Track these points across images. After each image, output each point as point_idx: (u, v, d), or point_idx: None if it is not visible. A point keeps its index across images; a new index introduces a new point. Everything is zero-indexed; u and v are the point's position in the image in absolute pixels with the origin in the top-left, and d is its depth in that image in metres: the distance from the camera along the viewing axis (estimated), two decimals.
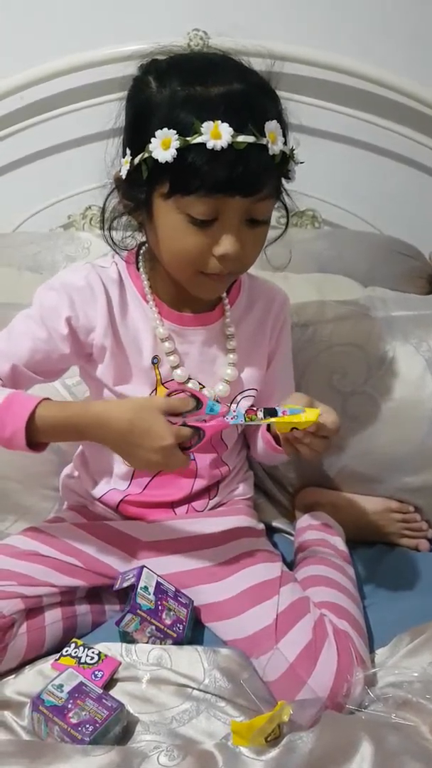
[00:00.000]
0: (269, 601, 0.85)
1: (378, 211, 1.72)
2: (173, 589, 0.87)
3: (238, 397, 0.94)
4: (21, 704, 0.77)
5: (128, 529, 0.95)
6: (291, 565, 0.99)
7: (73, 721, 0.71)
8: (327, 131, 1.66)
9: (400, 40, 1.57)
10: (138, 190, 0.79)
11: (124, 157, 0.80)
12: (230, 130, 0.71)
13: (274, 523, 1.13)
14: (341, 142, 1.68)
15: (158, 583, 0.86)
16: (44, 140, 1.62)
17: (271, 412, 0.78)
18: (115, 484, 0.96)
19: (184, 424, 0.78)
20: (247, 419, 0.79)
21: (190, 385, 0.90)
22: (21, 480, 1.09)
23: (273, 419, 0.78)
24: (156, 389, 0.90)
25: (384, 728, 0.66)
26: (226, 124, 0.71)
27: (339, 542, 1.02)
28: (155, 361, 0.89)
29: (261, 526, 1.01)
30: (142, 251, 0.91)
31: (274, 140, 0.74)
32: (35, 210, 1.70)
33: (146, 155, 0.74)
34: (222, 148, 0.71)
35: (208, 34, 1.47)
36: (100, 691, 0.74)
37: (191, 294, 0.86)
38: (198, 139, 0.71)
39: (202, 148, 0.71)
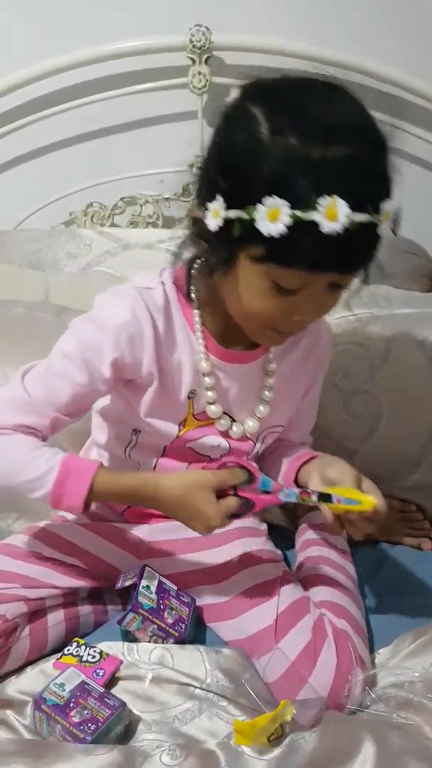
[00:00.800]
0: (269, 601, 0.85)
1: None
2: (175, 588, 0.87)
3: (264, 432, 0.93)
4: (23, 703, 0.77)
5: (130, 529, 0.95)
6: (292, 565, 0.99)
7: (75, 720, 0.71)
8: None
9: (405, 37, 1.56)
10: (222, 243, 0.71)
11: (208, 197, 0.70)
12: (347, 210, 0.63)
13: (276, 522, 1.13)
14: None
15: (160, 582, 0.86)
16: (46, 137, 1.62)
17: (325, 497, 0.79)
18: None
19: (236, 494, 0.79)
20: (299, 499, 0.80)
21: (222, 420, 0.87)
22: None
23: (328, 504, 0.79)
24: (185, 420, 0.88)
25: (386, 728, 0.66)
26: (344, 203, 0.63)
27: (340, 542, 1.02)
28: (191, 396, 0.86)
29: (263, 526, 1.01)
30: (193, 274, 0.83)
31: (387, 219, 0.68)
32: (36, 207, 1.69)
33: (245, 216, 0.66)
34: (337, 233, 0.63)
35: (210, 30, 1.47)
36: (102, 690, 0.74)
37: (239, 327, 0.80)
38: (312, 217, 0.63)
39: (312, 226, 0.63)
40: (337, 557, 0.97)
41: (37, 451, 0.78)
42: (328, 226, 0.63)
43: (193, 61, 1.48)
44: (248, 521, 0.98)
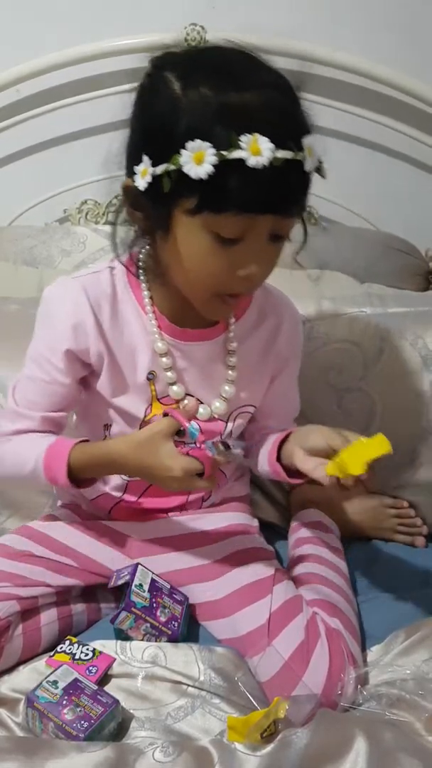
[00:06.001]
0: (262, 600, 0.85)
1: (375, 207, 1.72)
2: (168, 587, 0.87)
3: (234, 413, 0.92)
4: (16, 701, 0.77)
5: (122, 527, 0.95)
6: (285, 562, 0.99)
7: (68, 717, 0.71)
8: (325, 127, 1.65)
9: (399, 36, 1.56)
10: (156, 203, 0.71)
11: (135, 164, 0.71)
12: (270, 146, 0.65)
13: (269, 520, 1.13)
14: (338, 138, 1.67)
15: (153, 581, 0.86)
16: (40, 134, 1.61)
17: (225, 445, 0.77)
18: (109, 491, 0.95)
19: (188, 454, 0.78)
20: (216, 451, 0.77)
21: (186, 401, 0.87)
22: None
23: (344, 458, 0.74)
24: (151, 405, 0.88)
25: (379, 725, 0.66)
26: (266, 139, 0.64)
27: (333, 539, 1.02)
28: (150, 377, 0.86)
29: (255, 523, 1.01)
30: (141, 257, 0.85)
31: (311, 154, 0.69)
32: (31, 204, 1.69)
33: (172, 167, 0.67)
34: (264, 166, 0.65)
35: (205, 29, 1.46)
36: (95, 687, 0.74)
37: (192, 305, 0.81)
38: (236, 155, 0.64)
39: (238, 164, 0.65)
40: (330, 555, 0.97)
41: (31, 443, 0.85)
42: (253, 160, 0.64)
43: None
44: (241, 518, 0.99)
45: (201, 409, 0.88)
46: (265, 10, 1.53)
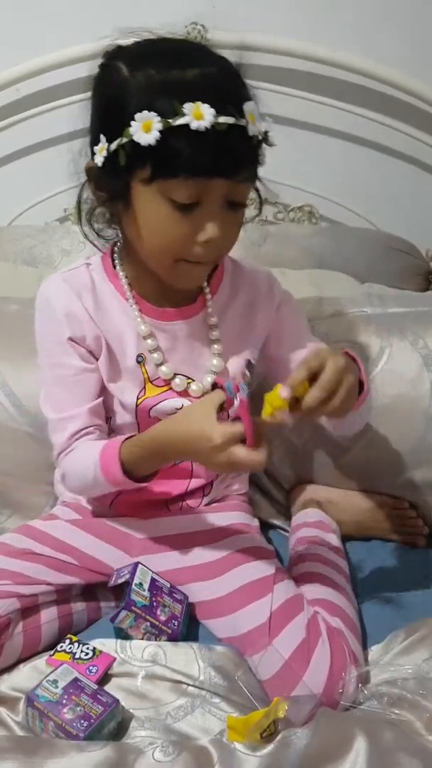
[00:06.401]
0: (263, 599, 0.85)
1: (376, 207, 1.72)
2: (168, 586, 0.87)
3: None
4: (16, 700, 0.77)
5: (123, 526, 0.95)
6: (286, 562, 0.99)
7: (68, 716, 0.70)
8: (325, 127, 1.66)
9: (400, 36, 1.56)
10: (115, 178, 0.77)
11: (95, 145, 0.78)
12: (212, 111, 0.70)
13: (269, 519, 1.13)
14: (339, 138, 1.67)
15: (153, 580, 0.86)
16: (40, 133, 1.61)
17: (250, 367, 0.77)
18: None
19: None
20: (244, 388, 0.74)
21: (177, 380, 0.90)
22: (16, 474, 1.08)
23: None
24: (145, 388, 0.90)
25: (379, 725, 0.66)
26: (207, 105, 0.70)
27: (334, 539, 1.02)
28: (140, 360, 0.89)
29: (255, 522, 1.01)
30: (117, 248, 0.90)
31: (253, 121, 0.74)
32: (31, 203, 1.69)
33: (125, 140, 0.73)
34: (206, 128, 0.70)
35: (206, 29, 1.46)
36: (95, 686, 0.74)
37: (171, 287, 0.86)
38: (180, 121, 0.70)
39: (184, 130, 0.71)
40: (331, 554, 0.97)
41: (86, 453, 0.86)
42: (196, 124, 0.70)
43: None
44: (241, 517, 0.99)
45: (193, 386, 0.90)
46: (265, 9, 1.53)
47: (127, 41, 0.80)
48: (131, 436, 0.84)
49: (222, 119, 0.71)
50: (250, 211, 0.86)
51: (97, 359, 0.89)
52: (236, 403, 0.74)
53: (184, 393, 0.91)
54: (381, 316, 1.14)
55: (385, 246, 1.63)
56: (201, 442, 0.74)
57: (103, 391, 0.91)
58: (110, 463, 0.82)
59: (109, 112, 0.76)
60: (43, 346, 0.90)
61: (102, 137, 0.76)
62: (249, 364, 0.80)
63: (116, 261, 0.90)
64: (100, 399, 0.90)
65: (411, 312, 1.15)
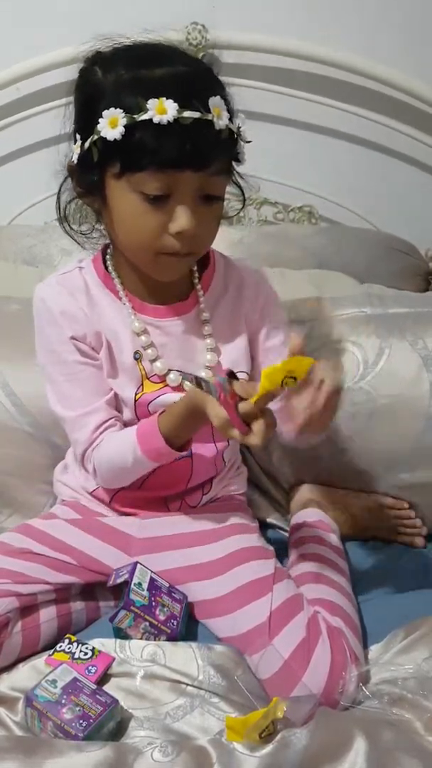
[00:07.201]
0: (262, 598, 0.85)
1: (375, 207, 1.72)
2: (167, 585, 0.87)
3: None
4: (15, 700, 0.77)
5: (122, 525, 0.95)
6: (285, 562, 0.99)
7: (67, 716, 0.70)
8: (325, 127, 1.66)
9: (400, 36, 1.56)
10: (90, 174, 0.81)
11: (75, 143, 0.81)
12: (175, 105, 0.73)
13: (269, 519, 1.13)
14: (339, 138, 1.67)
15: (152, 579, 0.86)
16: (40, 132, 1.61)
17: (232, 375, 0.77)
18: None
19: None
20: (223, 383, 0.75)
21: (171, 376, 0.91)
22: (16, 474, 1.08)
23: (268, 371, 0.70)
24: (143, 385, 0.91)
25: (378, 725, 0.66)
26: (170, 101, 0.73)
27: (333, 539, 1.02)
28: (137, 357, 0.90)
29: (255, 522, 1.01)
30: (109, 249, 0.92)
31: (219, 115, 0.76)
32: (31, 203, 1.69)
33: (95, 137, 0.76)
34: (168, 122, 0.73)
35: (206, 28, 1.46)
36: (94, 686, 0.74)
37: (162, 284, 0.87)
38: (144, 116, 0.73)
39: (149, 125, 0.74)
40: (331, 554, 0.97)
41: (120, 440, 0.87)
42: (158, 118, 0.73)
43: None
44: (241, 517, 0.99)
45: (188, 381, 0.91)
46: (265, 9, 1.53)
47: (107, 47, 0.83)
48: (162, 412, 0.86)
49: (186, 113, 0.74)
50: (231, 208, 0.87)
51: (99, 354, 0.91)
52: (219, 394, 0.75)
53: (179, 388, 0.91)
54: (381, 316, 1.14)
55: (385, 246, 1.63)
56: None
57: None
58: (151, 439, 0.84)
59: (84, 112, 0.80)
60: (46, 347, 0.91)
61: (77, 136, 0.81)
62: (231, 374, 0.78)
63: (108, 261, 0.92)
64: (113, 391, 0.91)
65: (411, 312, 1.15)
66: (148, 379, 0.91)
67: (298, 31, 1.53)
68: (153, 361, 0.90)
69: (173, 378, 0.91)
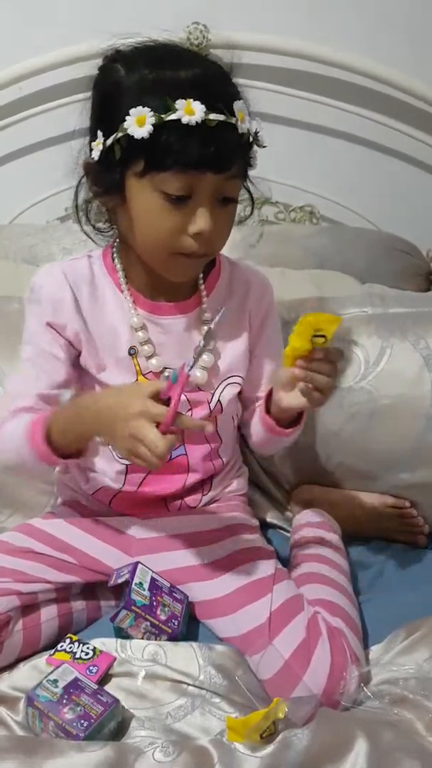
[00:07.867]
0: (263, 599, 0.85)
1: (376, 207, 1.72)
2: (168, 585, 0.87)
3: (223, 384, 0.94)
4: (16, 699, 0.76)
5: (122, 526, 0.95)
6: (286, 562, 0.99)
7: (68, 716, 0.70)
8: (325, 127, 1.66)
9: (400, 36, 1.56)
10: (110, 172, 0.80)
11: (93, 141, 0.81)
12: (203, 107, 0.74)
13: (270, 519, 1.13)
14: (340, 138, 1.67)
15: (153, 579, 0.86)
16: (42, 132, 1.62)
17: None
18: (108, 482, 0.95)
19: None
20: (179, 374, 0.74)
21: (166, 374, 0.90)
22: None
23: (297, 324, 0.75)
24: (137, 381, 0.91)
25: (379, 725, 0.66)
26: (198, 102, 0.74)
27: (335, 539, 1.02)
28: (132, 352, 0.90)
29: (255, 522, 1.01)
30: (116, 244, 0.92)
31: (242, 119, 0.77)
32: (32, 202, 1.69)
33: (120, 134, 0.76)
34: (196, 123, 0.73)
35: (207, 28, 1.46)
36: (95, 686, 0.74)
37: (166, 282, 0.87)
38: (172, 116, 0.73)
39: (176, 125, 0.74)
40: (332, 554, 0.97)
41: (23, 422, 0.84)
42: (187, 119, 0.73)
43: None
44: (241, 517, 0.99)
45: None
46: (266, 9, 1.53)
47: (125, 45, 0.83)
48: (56, 411, 0.83)
49: (212, 116, 0.74)
50: (246, 212, 0.88)
51: (79, 352, 0.90)
52: (177, 378, 0.73)
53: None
54: (382, 316, 1.14)
55: (386, 246, 1.63)
56: (119, 409, 0.74)
57: (68, 383, 0.89)
58: (36, 430, 0.81)
59: (106, 109, 0.80)
60: (27, 322, 0.91)
61: (99, 133, 0.79)
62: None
63: (115, 255, 0.92)
64: (59, 391, 0.89)
65: (412, 312, 1.15)
66: (143, 375, 0.91)
67: (299, 31, 1.53)
68: (149, 357, 0.90)
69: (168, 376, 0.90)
